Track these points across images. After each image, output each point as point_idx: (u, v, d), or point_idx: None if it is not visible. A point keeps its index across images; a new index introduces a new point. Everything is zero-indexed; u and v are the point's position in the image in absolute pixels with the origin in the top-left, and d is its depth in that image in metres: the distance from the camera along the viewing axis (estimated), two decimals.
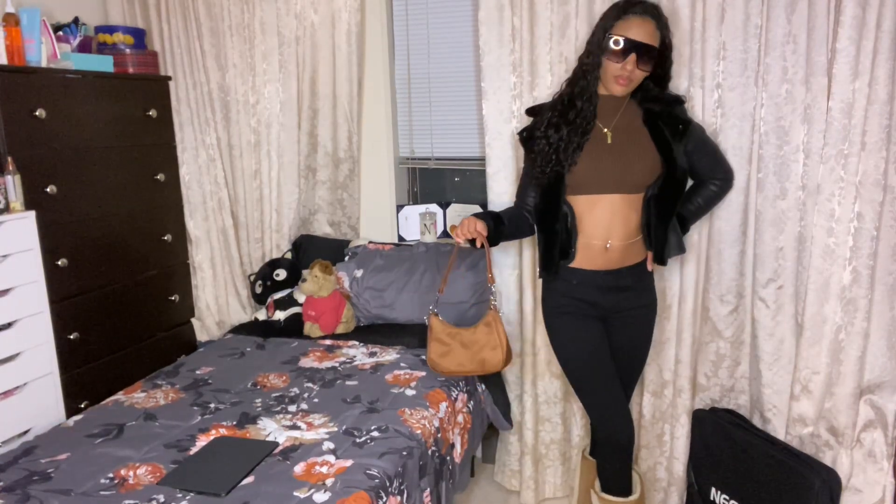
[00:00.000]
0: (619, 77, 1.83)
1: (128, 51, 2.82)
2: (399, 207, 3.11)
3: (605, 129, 1.92)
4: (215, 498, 1.65)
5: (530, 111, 2.08)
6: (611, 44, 1.81)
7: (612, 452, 2.02)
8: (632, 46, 1.79)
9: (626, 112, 1.94)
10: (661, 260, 1.98)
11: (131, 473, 1.77)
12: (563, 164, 1.89)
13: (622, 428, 1.98)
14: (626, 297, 2.00)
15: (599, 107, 1.92)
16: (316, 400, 2.17)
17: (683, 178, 1.95)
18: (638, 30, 1.80)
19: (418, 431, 1.99)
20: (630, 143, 1.91)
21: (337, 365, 2.45)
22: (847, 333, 2.04)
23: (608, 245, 1.92)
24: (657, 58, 1.85)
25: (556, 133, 1.91)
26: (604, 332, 2.02)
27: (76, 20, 2.77)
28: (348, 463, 1.78)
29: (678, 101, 1.99)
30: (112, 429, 2.02)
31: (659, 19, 1.84)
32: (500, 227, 2.01)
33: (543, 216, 1.98)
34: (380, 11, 2.94)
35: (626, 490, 2.04)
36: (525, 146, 2.04)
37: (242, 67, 2.98)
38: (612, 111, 1.93)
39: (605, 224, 1.92)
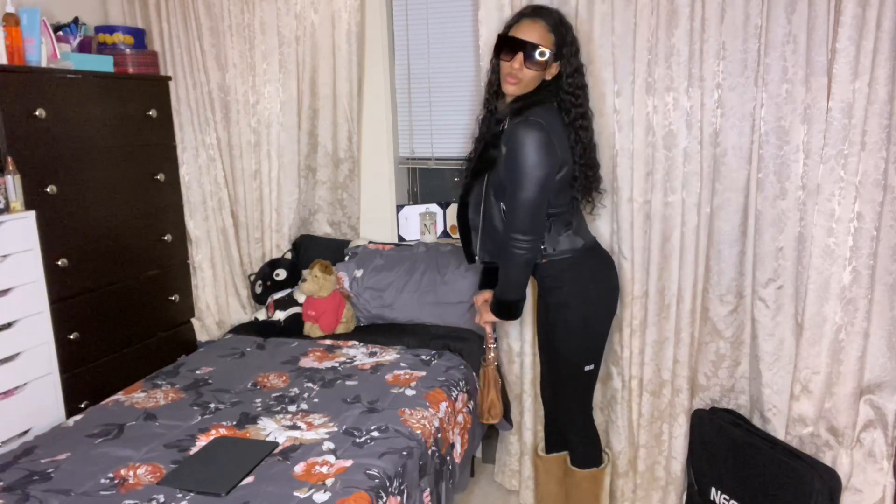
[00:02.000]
0: (508, 76, 1.92)
1: (128, 51, 2.82)
2: (399, 207, 3.11)
3: None
4: (215, 498, 1.65)
5: None
6: (502, 43, 1.93)
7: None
8: (518, 45, 1.88)
9: None
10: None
11: (131, 473, 1.77)
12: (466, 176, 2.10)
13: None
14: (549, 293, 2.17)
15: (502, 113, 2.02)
16: (316, 400, 2.17)
17: (494, 192, 1.99)
18: (527, 30, 1.89)
19: (418, 431, 1.99)
20: None
21: (337, 365, 2.45)
22: (847, 333, 2.04)
23: None
24: (550, 59, 1.90)
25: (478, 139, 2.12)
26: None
27: (76, 20, 2.76)
28: (348, 463, 1.78)
29: (515, 113, 1.93)
30: (112, 429, 2.02)
31: (551, 22, 1.91)
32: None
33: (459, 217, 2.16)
34: (380, 11, 2.94)
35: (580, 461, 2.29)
36: None
37: (242, 67, 2.98)
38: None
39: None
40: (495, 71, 2.04)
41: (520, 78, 1.90)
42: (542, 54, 1.88)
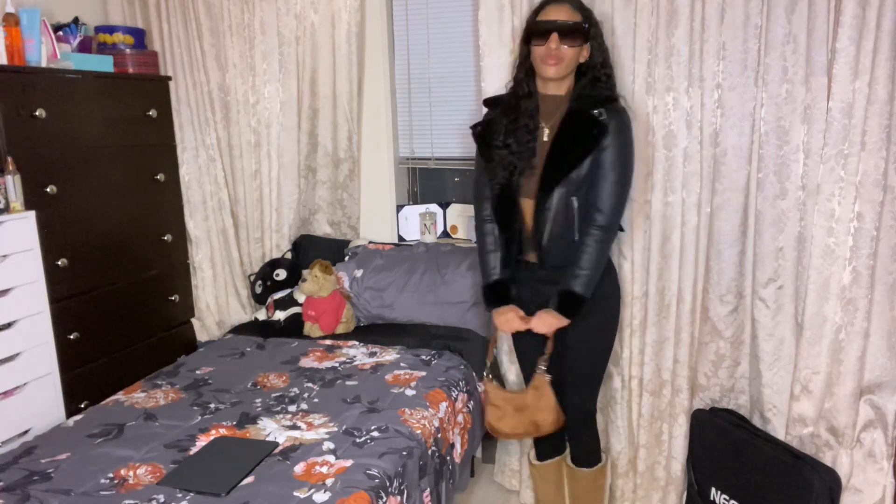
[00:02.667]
0: (547, 57, 1.89)
1: (128, 51, 2.82)
2: (399, 207, 3.11)
3: (547, 132, 1.97)
4: (215, 498, 1.65)
5: (488, 102, 2.13)
6: (534, 30, 1.91)
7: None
8: (551, 26, 1.88)
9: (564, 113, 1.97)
10: (559, 263, 1.97)
11: (131, 473, 1.77)
12: (521, 170, 1.95)
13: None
14: (545, 289, 2.02)
15: (542, 108, 1.98)
16: (316, 400, 2.17)
17: (580, 184, 1.90)
18: (554, 12, 1.90)
19: (418, 431, 1.99)
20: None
21: (337, 365, 2.45)
22: (847, 333, 2.04)
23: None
24: (583, 35, 1.90)
25: (514, 140, 1.96)
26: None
27: (76, 20, 2.76)
28: (348, 463, 1.78)
29: (607, 99, 1.93)
30: (112, 429, 2.02)
31: (575, 4, 1.93)
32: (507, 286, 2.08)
33: (503, 216, 2.02)
34: (380, 11, 2.94)
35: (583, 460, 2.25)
36: (481, 145, 2.05)
37: (242, 67, 2.98)
38: (552, 112, 1.96)
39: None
40: (524, 65, 1.98)
41: (560, 57, 1.88)
42: (576, 26, 1.88)
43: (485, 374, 2.20)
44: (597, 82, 1.96)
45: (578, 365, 2.09)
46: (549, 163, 1.91)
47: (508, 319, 2.03)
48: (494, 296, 2.08)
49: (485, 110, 2.32)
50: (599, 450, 2.26)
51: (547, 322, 1.96)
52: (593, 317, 2.02)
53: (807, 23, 1.97)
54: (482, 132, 2.05)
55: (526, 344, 2.14)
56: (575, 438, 2.22)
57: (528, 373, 2.17)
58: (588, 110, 1.90)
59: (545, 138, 1.96)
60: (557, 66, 1.89)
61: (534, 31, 1.92)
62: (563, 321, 1.94)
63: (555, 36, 1.87)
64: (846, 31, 1.89)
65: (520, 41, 2.01)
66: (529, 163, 1.94)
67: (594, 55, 1.96)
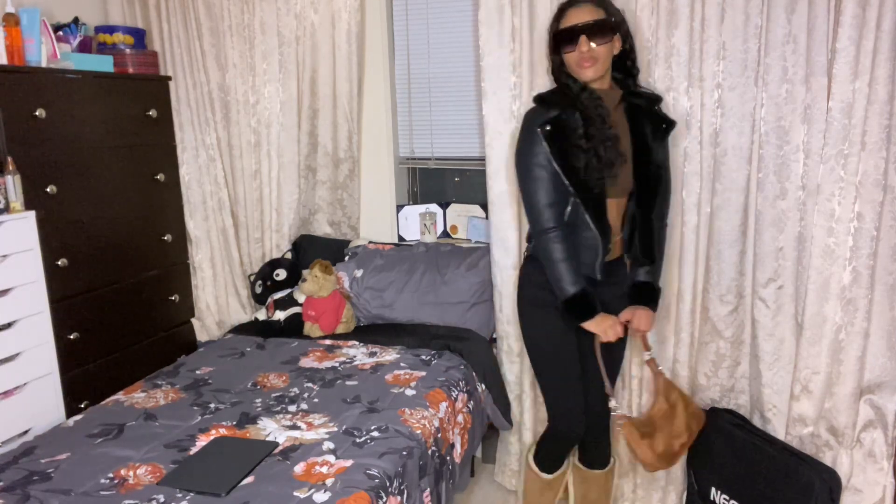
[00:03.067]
0: (581, 60, 1.86)
1: (128, 51, 2.82)
2: (399, 207, 3.11)
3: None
4: (215, 498, 1.65)
5: (540, 99, 1.98)
6: (561, 38, 1.89)
7: (559, 443, 2.18)
8: (577, 29, 1.85)
9: (617, 112, 1.95)
10: (649, 257, 1.99)
11: (131, 473, 1.77)
12: (610, 173, 1.88)
13: (575, 426, 2.09)
14: (600, 292, 1.98)
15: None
16: (316, 400, 2.17)
17: (659, 174, 1.97)
18: (576, 16, 1.87)
19: (418, 431, 1.99)
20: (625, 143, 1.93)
21: (337, 365, 2.45)
22: (847, 333, 2.04)
23: None
24: (610, 29, 1.88)
25: (602, 144, 1.86)
26: (574, 329, 1.99)
27: (76, 20, 2.76)
28: (348, 463, 1.78)
29: (659, 98, 2.04)
30: (112, 429, 2.02)
31: (595, 1, 1.89)
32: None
33: (596, 219, 1.91)
34: (380, 11, 2.94)
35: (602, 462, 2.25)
36: (553, 146, 1.87)
37: (242, 67, 2.98)
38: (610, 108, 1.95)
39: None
40: (557, 71, 1.96)
41: (595, 57, 1.86)
42: (602, 23, 1.85)
43: (619, 412, 2.01)
44: (630, 75, 1.98)
45: (608, 369, 2.03)
46: (637, 162, 1.92)
47: (612, 325, 1.91)
48: (583, 305, 1.91)
49: (484, 110, 2.33)
50: (611, 451, 2.27)
51: (649, 319, 2.01)
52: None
53: (807, 23, 1.97)
54: (552, 132, 1.88)
55: (556, 325, 2.01)
56: (594, 440, 2.20)
57: (550, 351, 2.06)
58: (651, 108, 1.96)
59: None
60: (594, 67, 1.87)
61: (561, 39, 1.89)
62: (653, 314, 2.01)
63: (584, 38, 1.84)
64: (846, 31, 1.89)
65: (548, 52, 1.99)
66: (613, 171, 1.88)
67: (624, 48, 1.95)
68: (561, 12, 1.91)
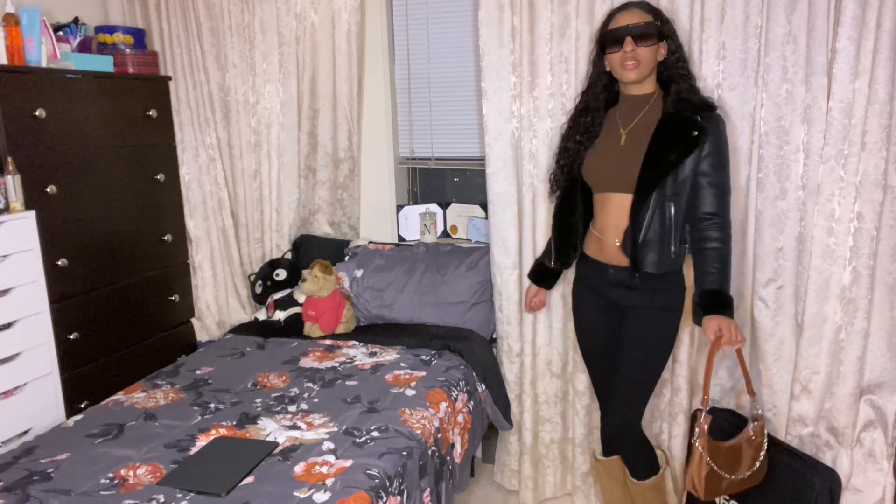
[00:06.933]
0: (625, 62, 1.90)
1: (128, 51, 2.82)
2: (399, 207, 3.11)
3: (622, 131, 1.98)
4: (215, 498, 1.65)
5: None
6: (607, 38, 1.94)
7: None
8: (624, 31, 1.89)
9: (648, 114, 1.96)
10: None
11: (131, 473, 1.77)
12: (574, 166, 2.08)
13: (604, 423, 2.18)
14: (632, 296, 2.00)
15: (622, 108, 2.01)
16: (316, 400, 2.17)
17: (682, 188, 1.90)
18: (624, 19, 1.92)
19: (418, 431, 1.99)
20: (642, 145, 1.92)
21: (337, 365, 2.45)
22: (847, 333, 2.04)
23: (617, 242, 1.97)
24: (657, 34, 1.90)
25: (572, 141, 2.09)
26: (611, 326, 2.09)
27: (76, 20, 2.77)
28: (348, 463, 1.79)
29: (706, 106, 1.94)
30: (112, 429, 2.02)
31: (645, 7, 1.94)
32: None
33: (561, 210, 2.15)
34: (380, 11, 2.94)
35: (638, 472, 2.14)
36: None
37: (242, 67, 2.98)
38: (634, 112, 1.97)
39: (613, 222, 1.98)
40: (598, 73, 2.04)
41: (638, 59, 1.89)
42: (649, 26, 1.88)
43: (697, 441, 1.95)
44: (683, 81, 1.95)
45: (629, 370, 2.01)
46: (646, 165, 1.90)
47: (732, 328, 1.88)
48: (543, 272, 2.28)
49: (484, 110, 2.34)
50: (654, 458, 2.14)
51: (739, 336, 1.89)
52: (654, 326, 2.00)
53: (807, 23, 1.97)
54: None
55: (588, 322, 2.19)
56: (617, 446, 2.15)
57: (583, 347, 2.24)
58: (686, 114, 1.91)
59: (622, 142, 1.97)
60: (637, 69, 1.90)
61: (607, 40, 1.94)
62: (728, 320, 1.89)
63: (629, 39, 1.88)
64: (846, 31, 1.89)
65: (592, 57, 2.06)
66: (581, 160, 2.06)
67: (671, 51, 1.96)
68: (610, 17, 1.97)
